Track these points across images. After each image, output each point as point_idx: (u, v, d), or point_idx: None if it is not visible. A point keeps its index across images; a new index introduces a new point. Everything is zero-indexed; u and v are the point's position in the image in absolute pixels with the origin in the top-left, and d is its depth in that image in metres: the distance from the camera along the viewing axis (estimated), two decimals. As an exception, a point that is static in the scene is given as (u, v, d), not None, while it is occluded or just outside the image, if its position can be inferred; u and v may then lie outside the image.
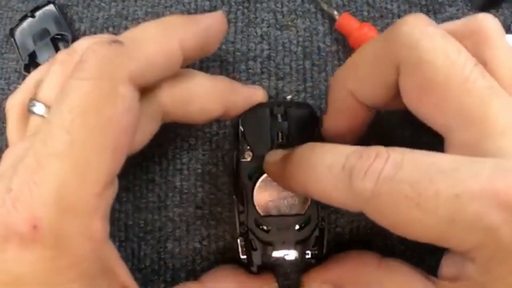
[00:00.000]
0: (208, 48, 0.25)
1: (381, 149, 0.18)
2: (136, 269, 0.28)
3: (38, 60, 0.32)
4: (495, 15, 0.31)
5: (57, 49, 0.32)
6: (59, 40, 0.32)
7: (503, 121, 0.18)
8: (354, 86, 0.23)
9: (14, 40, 0.32)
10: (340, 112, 0.24)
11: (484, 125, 0.19)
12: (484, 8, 0.32)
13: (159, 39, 0.22)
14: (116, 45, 0.21)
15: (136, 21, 0.32)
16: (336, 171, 0.19)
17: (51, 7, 0.32)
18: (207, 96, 0.25)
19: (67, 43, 0.32)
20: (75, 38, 0.32)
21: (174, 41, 0.22)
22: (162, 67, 0.22)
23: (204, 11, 0.32)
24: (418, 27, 0.20)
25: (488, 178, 0.17)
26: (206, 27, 0.24)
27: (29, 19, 0.32)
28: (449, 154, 0.20)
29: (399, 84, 0.21)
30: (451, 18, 0.32)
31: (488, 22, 0.21)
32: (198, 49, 0.24)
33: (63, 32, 0.32)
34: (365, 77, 0.22)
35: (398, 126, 0.30)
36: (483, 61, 0.20)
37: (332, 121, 0.25)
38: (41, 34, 0.32)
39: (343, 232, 0.28)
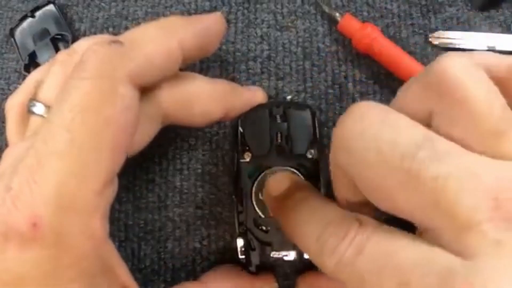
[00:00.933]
0: (207, 49, 0.25)
1: (352, 227, 0.18)
2: (136, 269, 0.28)
3: (38, 60, 0.32)
4: (495, 15, 0.32)
5: (57, 49, 0.32)
6: (59, 40, 0.32)
7: (466, 213, 0.15)
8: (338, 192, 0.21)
9: (14, 40, 0.32)
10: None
11: (445, 221, 0.16)
12: (484, 8, 0.32)
13: (158, 39, 0.22)
14: (116, 45, 0.21)
15: (136, 21, 0.32)
16: (313, 239, 0.19)
17: (51, 7, 0.32)
18: (208, 99, 0.25)
19: (67, 43, 0.32)
20: (75, 38, 0.32)
21: (173, 41, 0.22)
22: (162, 66, 0.22)
23: (204, 11, 0.32)
24: (352, 123, 0.18)
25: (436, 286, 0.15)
26: (205, 28, 0.24)
27: (29, 19, 0.32)
28: (416, 241, 0.17)
29: None
30: (451, 18, 0.32)
31: (446, 70, 0.17)
32: (198, 49, 0.24)
33: (63, 32, 0.32)
34: (336, 182, 0.21)
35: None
36: (453, 126, 0.17)
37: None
38: (41, 34, 0.32)
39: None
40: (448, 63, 0.17)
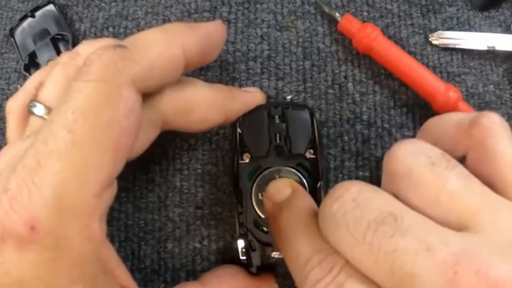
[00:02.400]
0: (209, 55, 0.25)
1: (337, 262, 0.18)
2: (136, 269, 0.28)
3: (38, 60, 0.32)
4: (495, 15, 0.32)
5: (57, 49, 0.32)
6: (59, 40, 0.32)
7: (421, 286, 0.16)
8: None
9: (14, 40, 0.32)
10: None
11: None
12: (484, 8, 0.32)
13: (162, 44, 0.22)
14: (121, 49, 0.21)
15: (136, 21, 0.32)
16: (302, 262, 0.20)
17: (51, 7, 0.32)
18: (207, 106, 0.25)
19: (67, 43, 0.32)
20: (75, 38, 0.32)
21: (176, 47, 0.22)
22: (165, 71, 0.23)
23: (204, 11, 0.32)
24: (330, 203, 0.19)
25: None
26: (207, 34, 0.24)
27: (29, 19, 0.32)
28: None
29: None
30: (451, 18, 0.32)
31: (488, 123, 0.19)
32: (200, 55, 0.24)
33: (63, 32, 0.32)
34: None
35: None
36: (486, 174, 0.19)
37: None
38: (41, 34, 0.32)
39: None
40: (489, 119, 0.19)
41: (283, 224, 0.22)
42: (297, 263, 0.20)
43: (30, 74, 0.31)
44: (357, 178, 0.29)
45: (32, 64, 0.32)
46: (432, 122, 0.23)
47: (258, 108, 0.26)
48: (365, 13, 0.32)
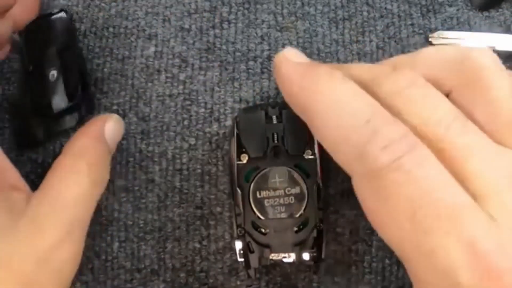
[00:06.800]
0: None
1: (409, 138, 0.17)
2: (135, 269, 0.28)
3: (43, 69, 0.31)
4: (495, 15, 0.32)
5: (63, 59, 0.30)
6: (66, 50, 0.31)
7: (481, 183, 0.16)
8: None
9: (20, 46, 0.31)
10: None
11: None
12: (484, 8, 0.32)
13: None
14: None
15: (136, 21, 0.32)
16: (360, 121, 0.17)
17: (62, 14, 0.31)
18: None
19: (74, 53, 0.31)
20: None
21: None
22: None
23: (204, 11, 0.32)
24: (400, 85, 0.19)
25: None
26: None
27: (39, 25, 0.31)
28: None
29: None
30: (451, 18, 0.32)
31: (480, 61, 0.19)
32: None
33: (71, 42, 0.31)
34: None
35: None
36: (473, 108, 0.18)
37: None
38: (49, 42, 0.30)
39: (343, 232, 0.28)
40: (482, 55, 0.19)
41: (314, 88, 0.19)
42: (356, 124, 0.17)
43: (34, 83, 0.30)
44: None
45: (37, 72, 0.30)
46: (429, 53, 0.21)
47: (255, 108, 0.26)
48: (365, 13, 0.32)
